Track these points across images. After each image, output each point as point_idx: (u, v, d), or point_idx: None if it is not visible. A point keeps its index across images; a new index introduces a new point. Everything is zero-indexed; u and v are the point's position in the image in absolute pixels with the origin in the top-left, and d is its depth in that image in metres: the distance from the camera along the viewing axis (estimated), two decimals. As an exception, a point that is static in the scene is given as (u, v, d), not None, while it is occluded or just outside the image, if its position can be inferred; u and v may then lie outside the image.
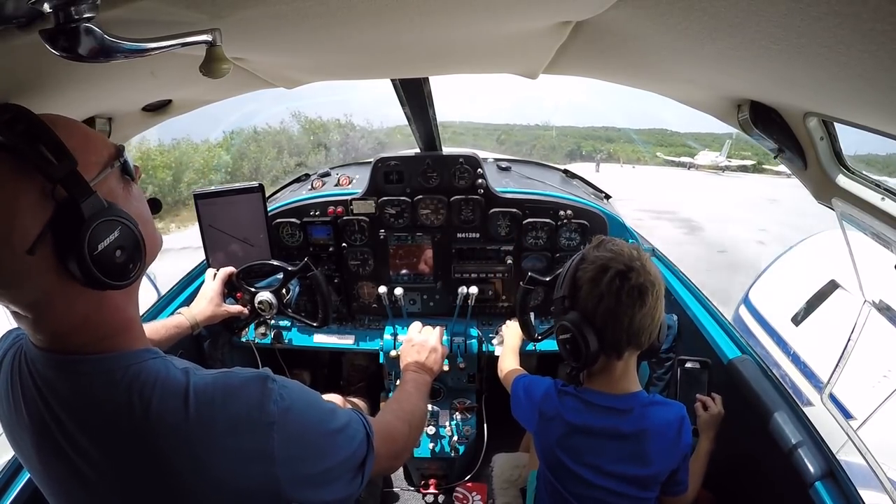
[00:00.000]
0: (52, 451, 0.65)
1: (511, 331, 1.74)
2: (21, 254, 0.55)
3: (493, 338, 1.93)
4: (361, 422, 0.80)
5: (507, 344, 1.69)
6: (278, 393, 0.67)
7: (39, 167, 0.56)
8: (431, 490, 1.92)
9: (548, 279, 1.45)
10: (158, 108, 1.13)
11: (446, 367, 1.77)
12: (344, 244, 1.92)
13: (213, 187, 1.67)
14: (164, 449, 0.62)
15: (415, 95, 1.34)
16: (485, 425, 1.93)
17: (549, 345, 1.76)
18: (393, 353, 1.84)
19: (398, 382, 1.24)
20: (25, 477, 1.09)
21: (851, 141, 0.93)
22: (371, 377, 2.30)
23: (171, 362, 0.68)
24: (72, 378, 0.63)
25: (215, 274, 1.51)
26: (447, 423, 1.90)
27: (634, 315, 1.00)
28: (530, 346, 1.78)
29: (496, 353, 1.81)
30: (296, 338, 1.97)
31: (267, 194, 1.76)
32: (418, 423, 1.05)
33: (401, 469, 2.06)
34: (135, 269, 0.64)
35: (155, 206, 0.73)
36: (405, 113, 1.50)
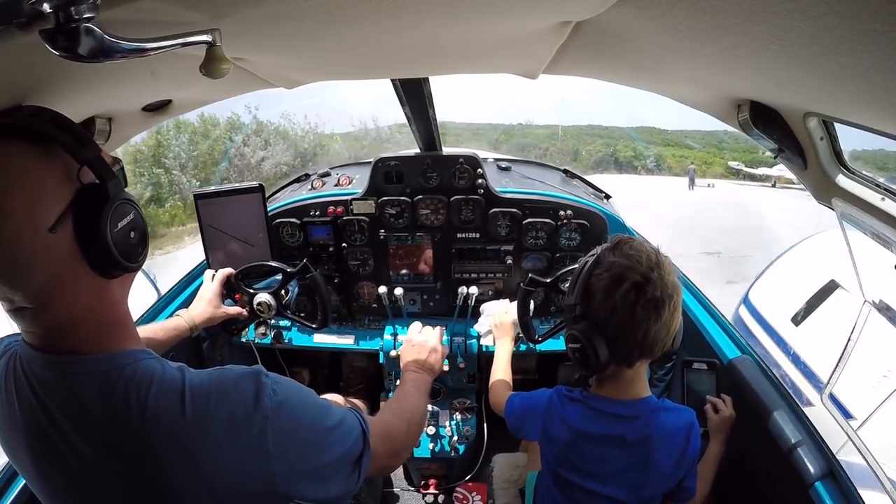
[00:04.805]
0: (48, 454, 0.65)
1: (504, 341, 1.61)
2: (42, 233, 0.58)
3: (481, 323, 1.84)
4: (356, 419, 0.80)
5: (501, 357, 1.55)
6: (271, 388, 0.68)
7: (69, 150, 0.60)
8: (431, 490, 1.92)
9: (548, 280, 1.45)
10: (158, 108, 1.13)
11: (446, 367, 1.76)
12: (344, 244, 1.92)
13: (212, 187, 1.67)
14: (162, 448, 0.62)
15: (415, 95, 1.34)
16: (485, 425, 1.93)
17: (549, 345, 1.76)
18: (393, 353, 1.84)
19: (398, 382, 1.24)
20: (21, 483, 1.08)
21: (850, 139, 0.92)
22: (371, 379, 2.30)
23: (166, 361, 0.68)
24: (68, 379, 0.63)
25: (213, 275, 1.51)
26: (447, 423, 1.90)
27: (649, 329, 0.95)
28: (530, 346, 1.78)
29: (482, 342, 1.80)
30: (296, 337, 1.96)
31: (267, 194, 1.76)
32: (417, 421, 1.05)
33: (401, 469, 2.06)
34: (141, 253, 0.68)
35: None
36: (405, 113, 1.50)
